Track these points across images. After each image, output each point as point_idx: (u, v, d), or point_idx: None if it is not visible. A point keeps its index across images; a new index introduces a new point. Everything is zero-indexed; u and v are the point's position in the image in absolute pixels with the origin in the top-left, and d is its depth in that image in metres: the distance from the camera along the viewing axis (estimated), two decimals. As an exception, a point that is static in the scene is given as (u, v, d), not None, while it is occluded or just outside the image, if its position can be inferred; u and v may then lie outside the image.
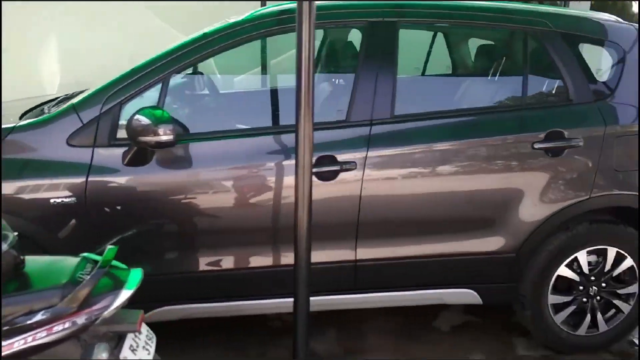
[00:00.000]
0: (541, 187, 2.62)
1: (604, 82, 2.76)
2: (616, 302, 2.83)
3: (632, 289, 2.81)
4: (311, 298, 2.60)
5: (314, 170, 2.45)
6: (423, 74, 3.33)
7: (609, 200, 2.69)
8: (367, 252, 2.61)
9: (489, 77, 2.99)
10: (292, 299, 2.58)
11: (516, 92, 2.71)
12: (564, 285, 2.79)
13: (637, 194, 2.66)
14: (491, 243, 2.67)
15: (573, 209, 2.65)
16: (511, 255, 2.68)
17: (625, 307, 2.83)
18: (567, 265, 2.73)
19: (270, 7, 2.65)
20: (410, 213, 2.60)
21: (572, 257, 2.72)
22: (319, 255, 2.57)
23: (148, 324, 2.52)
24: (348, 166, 2.48)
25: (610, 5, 6.04)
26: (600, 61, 3.22)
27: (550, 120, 2.63)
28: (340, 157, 2.48)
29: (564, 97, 2.69)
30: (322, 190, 2.48)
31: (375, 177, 2.52)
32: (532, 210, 2.63)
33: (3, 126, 2.42)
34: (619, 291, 2.82)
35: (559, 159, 2.61)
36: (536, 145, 2.58)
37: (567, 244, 2.70)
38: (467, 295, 2.76)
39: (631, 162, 2.67)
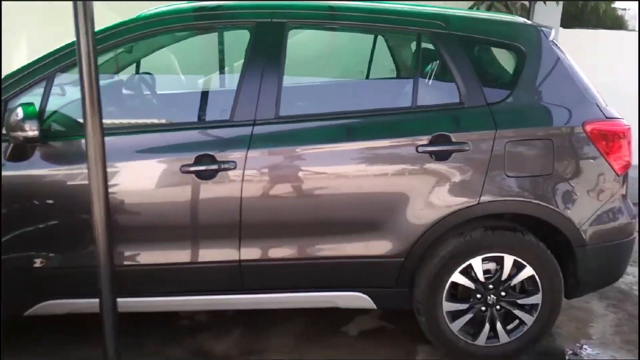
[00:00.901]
0: (427, 191, 2.58)
1: (501, 85, 2.70)
2: (517, 312, 2.75)
3: (534, 299, 2.73)
4: (198, 297, 2.65)
5: (193, 169, 2.50)
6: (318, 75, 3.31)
7: (499, 206, 2.63)
8: (251, 253, 2.61)
9: (380, 79, 2.96)
10: (185, 297, 2.64)
11: (407, 95, 2.68)
12: (459, 292, 2.74)
13: (531, 200, 2.60)
14: (379, 246, 2.64)
15: (461, 214, 2.60)
16: (400, 259, 2.65)
17: (528, 319, 2.75)
18: (461, 272, 2.68)
19: (160, 7, 2.70)
20: (294, 214, 2.60)
21: (467, 263, 2.67)
22: (203, 254, 2.62)
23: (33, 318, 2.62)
24: (227, 165, 2.50)
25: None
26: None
27: (438, 124, 2.59)
28: (220, 157, 2.50)
29: (455, 101, 2.64)
30: (201, 189, 2.51)
31: (256, 177, 2.53)
32: (419, 215, 2.59)
33: None
34: (519, 301, 2.74)
35: (445, 163, 2.57)
36: (420, 149, 2.55)
37: (460, 250, 2.65)
38: (359, 299, 2.73)
39: (523, 167, 2.60)
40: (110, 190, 2.39)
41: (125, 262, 2.57)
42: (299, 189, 2.57)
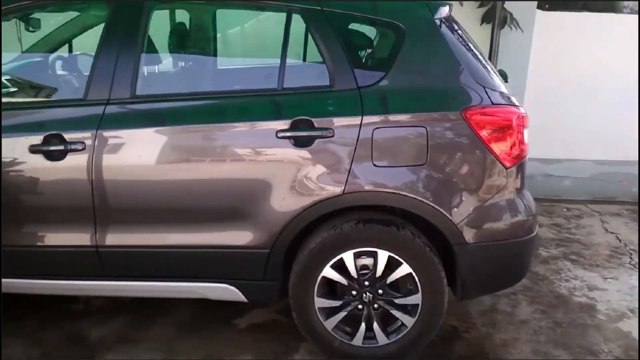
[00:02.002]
0: (289, 179, 2.41)
1: (375, 67, 2.50)
2: (396, 313, 2.55)
3: (413, 299, 2.52)
4: (56, 282, 2.59)
5: (40, 149, 2.43)
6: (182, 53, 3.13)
7: (366, 198, 2.42)
8: (108, 239, 2.52)
9: (250, 60, 2.79)
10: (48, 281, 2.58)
11: (272, 76, 2.51)
12: (332, 288, 2.57)
13: (400, 192, 2.38)
14: (242, 236, 2.49)
15: (326, 205, 2.42)
16: (265, 251, 2.49)
17: (408, 320, 2.55)
18: (333, 267, 2.50)
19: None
20: (149, 200, 2.48)
21: (338, 258, 2.48)
22: (59, 239, 2.55)
23: None
24: (75, 146, 2.41)
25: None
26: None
27: (300, 108, 2.41)
28: (68, 137, 2.42)
29: (325, 83, 2.45)
30: (51, 170, 2.44)
31: (106, 159, 2.43)
32: (282, 205, 2.43)
33: None
34: (397, 301, 2.54)
35: (307, 150, 2.39)
36: (280, 134, 2.38)
37: (330, 244, 2.47)
38: (227, 291, 2.59)
39: (393, 156, 2.39)
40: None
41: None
42: (152, 173, 2.45)
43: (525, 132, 2.49)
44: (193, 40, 2.88)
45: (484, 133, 2.38)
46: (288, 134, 2.38)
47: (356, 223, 2.46)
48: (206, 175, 2.45)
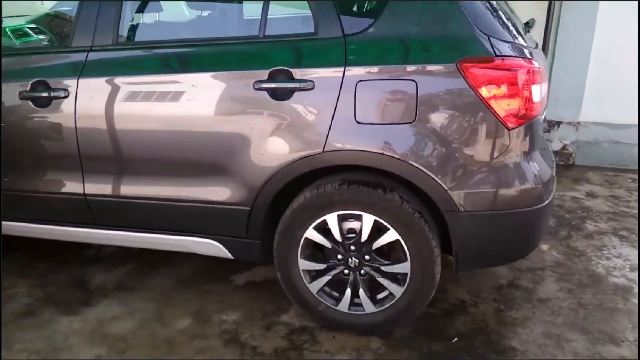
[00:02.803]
0: (267, 134, 2.27)
1: (365, 14, 2.26)
2: (382, 280, 2.39)
3: (401, 268, 2.34)
4: (50, 227, 2.66)
5: (28, 95, 2.45)
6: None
7: (346, 157, 2.23)
8: (95, 187, 2.53)
9: (236, 6, 2.62)
10: (44, 226, 2.66)
11: (255, 23, 2.34)
12: (318, 251, 2.44)
13: (382, 152, 2.17)
14: (221, 192, 2.41)
15: (305, 163, 2.27)
16: (245, 208, 2.40)
17: (395, 289, 2.38)
18: (316, 229, 2.36)
19: None
20: (130, 149, 2.45)
21: (321, 219, 2.34)
22: (52, 185, 2.59)
23: None
24: (58, 93, 2.41)
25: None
26: None
27: (279, 57, 2.24)
28: (53, 83, 2.42)
29: (309, 31, 2.26)
30: (38, 116, 2.46)
31: (88, 107, 2.41)
32: (260, 161, 2.31)
33: None
34: (383, 268, 2.37)
35: (286, 104, 2.23)
36: (257, 85, 2.24)
37: (312, 204, 2.33)
38: (212, 247, 2.54)
39: (377, 113, 2.17)
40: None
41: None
42: (131, 123, 2.41)
43: (537, 88, 2.17)
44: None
45: (483, 89, 2.10)
46: (265, 85, 2.23)
47: (340, 184, 2.30)
48: (184, 126, 2.37)
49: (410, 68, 2.13)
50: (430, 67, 2.13)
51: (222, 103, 2.30)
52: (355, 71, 2.17)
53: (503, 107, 2.12)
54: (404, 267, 2.34)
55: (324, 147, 2.22)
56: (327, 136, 2.21)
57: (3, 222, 2.73)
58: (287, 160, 2.27)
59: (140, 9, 2.56)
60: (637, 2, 4.25)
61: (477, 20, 2.15)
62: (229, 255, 2.56)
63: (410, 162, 2.17)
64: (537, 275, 3.05)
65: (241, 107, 2.28)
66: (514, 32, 2.28)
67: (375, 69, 2.16)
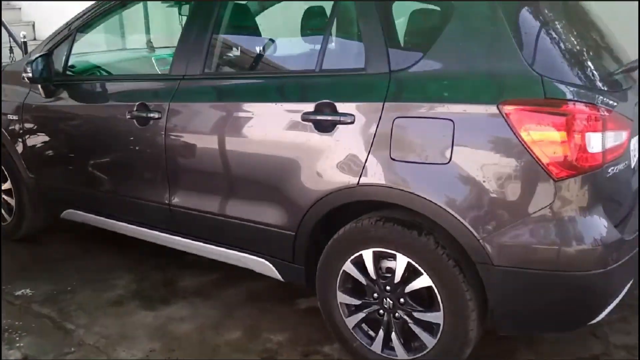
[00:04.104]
0: (311, 165, 2.34)
1: (415, 49, 2.21)
2: (414, 328, 2.28)
3: (433, 317, 2.21)
4: (140, 229, 3.05)
5: (134, 114, 2.87)
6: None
7: (379, 193, 2.19)
8: (178, 199, 2.84)
9: (291, 39, 2.73)
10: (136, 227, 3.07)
11: (312, 57, 2.43)
12: (354, 285, 2.42)
13: (413, 192, 2.10)
14: (272, 215, 2.52)
15: (341, 195, 2.28)
16: (291, 233, 2.49)
17: (427, 339, 2.25)
18: (354, 263, 2.36)
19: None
20: (202, 168, 2.71)
21: (357, 254, 2.33)
22: (145, 193, 2.98)
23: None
24: (153, 115, 2.77)
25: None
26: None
27: (327, 91, 2.31)
28: (151, 106, 2.80)
29: (359, 66, 2.29)
30: (139, 133, 2.86)
31: (174, 128, 2.73)
32: (303, 189, 2.38)
33: None
34: (416, 314, 2.26)
35: (329, 136, 2.28)
36: (304, 117, 2.33)
37: (349, 237, 2.33)
38: (265, 266, 2.67)
39: (412, 150, 2.10)
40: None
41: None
42: (204, 144, 2.67)
43: (596, 137, 1.92)
44: (249, 28, 3.00)
45: (525, 133, 1.92)
46: (311, 117, 2.32)
47: (377, 220, 2.26)
48: (245, 149, 2.57)
49: (449, 107, 2.04)
50: (469, 107, 2.01)
51: (277, 131, 2.44)
52: (394, 107, 2.14)
53: (548, 154, 1.91)
54: (437, 317, 2.20)
55: (359, 180, 2.22)
56: (363, 170, 2.21)
57: (110, 220, 3.19)
58: (326, 190, 2.32)
59: (222, 45, 2.84)
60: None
61: (532, 58, 1.99)
62: (279, 277, 2.66)
63: (441, 204, 2.06)
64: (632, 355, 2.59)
65: (290, 136, 2.40)
66: (586, 70, 2.04)
67: (413, 105, 2.11)
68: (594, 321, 2.14)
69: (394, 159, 2.15)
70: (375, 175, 2.19)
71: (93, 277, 3.31)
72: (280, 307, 2.99)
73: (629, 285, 2.27)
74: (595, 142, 1.92)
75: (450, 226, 2.07)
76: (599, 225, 1.98)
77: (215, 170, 2.68)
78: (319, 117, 2.30)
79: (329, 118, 2.27)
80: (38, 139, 3.33)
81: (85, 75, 3.31)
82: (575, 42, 2.17)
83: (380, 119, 2.16)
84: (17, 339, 2.72)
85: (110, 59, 3.61)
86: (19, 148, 3.41)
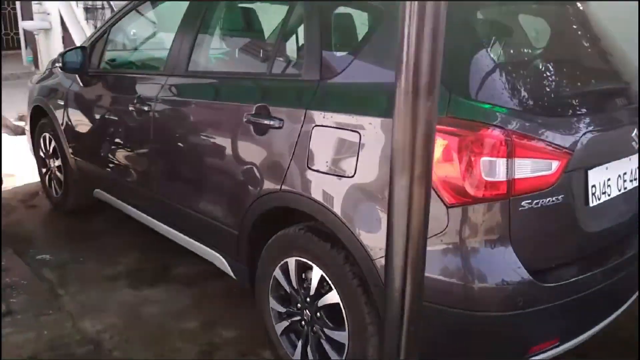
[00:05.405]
0: (249, 165, 2.38)
1: (341, 58, 2.14)
2: (325, 345, 2.22)
3: (340, 336, 2.14)
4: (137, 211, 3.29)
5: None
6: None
7: (295, 201, 2.17)
8: (160, 189, 3.03)
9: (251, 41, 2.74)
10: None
11: (266, 60, 2.44)
12: (283, 292, 2.40)
13: (322, 204, 2.05)
14: (220, 211, 2.60)
15: (266, 200, 2.29)
16: (234, 231, 2.54)
17: (336, 358, 2.18)
18: (281, 269, 2.35)
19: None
20: (172, 159, 2.90)
21: (284, 261, 2.32)
22: (137, 180, 3.21)
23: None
24: (144, 108, 2.98)
25: None
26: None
27: (265, 94, 2.34)
28: (144, 99, 3.01)
29: (298, 71, 2.28)
30: (136, 119, 3.08)
31: (160, 118, 2.92)
32: (244, 189, 2.43)
33: None
34: (326, 331, 2.20)
35: (262, 138, 2.30)
36: (246, 118, 2.37)
37: (279, 244, 2.33)
38: (220, 261, 2.73)
39: (326, 161, 2.06)
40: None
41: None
42: (172, 138, 2.86)
43: (494, 163, 1.73)
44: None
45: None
46: (252, 119, 2.35)
47: (300, 228, 2.24)
48: (198, 146, 2.70)
49: (357, 119, 1.97)
50: (375, 120, 1.92)
51: (226, 131, 2.51)
52: (314, 116, 2.11)
53: (440, 178, 1.76)
54: (342, 337, 2.13)
55: (281, 186, 2.22)
56: (285, 176, 2.20)
57: (120, 202, 3.47)
58: (258, 193, 2.34)
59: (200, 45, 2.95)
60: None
61: (447, 73, 1.84)
62: (232, 274, 2.71)
63: (343, 219, 1.99)
64: None
65: (235, 136, 2.45)
66: (512, 91, 1.85)
67: (328, 115, 2.06)
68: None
69: (310, 168, 2.11)
70: (293, 182, 2.17)
71: (106, 252, 3.61)
72: (250, 305, 3.03)
73: (578, 340, 2.01)
74: (495, 169, 1.73)
75: (350, 242, 1.99)
76: (499, 263, 1.78)
77: (178, 164, 2.86)
78: (255, 120, 2.33)
79: (264, 121, 2.29)
80: (76, 123, 3.72)
81: (115, 69, 3.63)
82: (515, 56, 1.98)
83: (302, 126, 2.14)
84: (14, 295, 3.08)
85: (138, 55, 3.89)
86: (64, 130, 3.83)
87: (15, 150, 5.74)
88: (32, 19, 9.88)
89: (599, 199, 2.03)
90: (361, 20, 2.28)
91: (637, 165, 2.24)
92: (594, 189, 2.01)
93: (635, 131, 2.12)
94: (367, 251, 1.92)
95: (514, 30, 2.37)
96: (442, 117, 1.78)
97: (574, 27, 2.40)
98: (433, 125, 1.06)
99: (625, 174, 2.17)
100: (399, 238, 1.19)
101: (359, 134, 1.95)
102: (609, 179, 2.08)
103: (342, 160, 2.01)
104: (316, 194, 2.08)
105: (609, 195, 2.08)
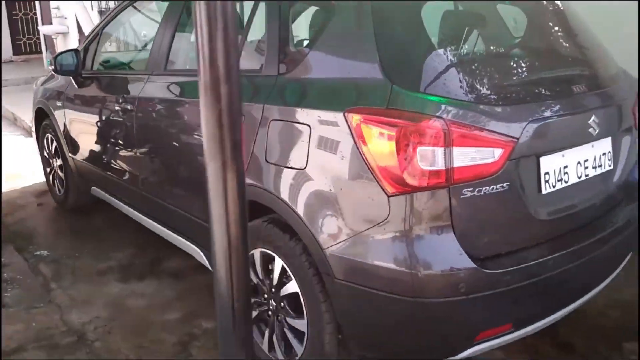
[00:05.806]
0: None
1: (297, 53, 2.19)
2: (288, 333, 2.27)
3: (299, 324, 2.19)
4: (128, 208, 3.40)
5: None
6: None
7: (255, 194, 2.20)
8: (144, 185, 3.12)
9: None
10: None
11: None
12: (251, 284, 2.47)
13: (277, 196, 2.10)
14: (195, 205, 2.68)
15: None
16: (206, 224, 2.60)
17: (297, 347, 2.24)
18: (250, 261, 2.41)
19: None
20: (147, 154, 2.99)
21: (251, 252, 2.39)
22: (125, 178, 3.32)
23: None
24: (127, 106, 3.08)
25: None
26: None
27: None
28: (127, 99, 3.11)
29: (259, 67, 2.34)
30: (121, 118, 3.18)
31: (142, 114, 3.01)
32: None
33: None
34: (289, 320, 2.26)
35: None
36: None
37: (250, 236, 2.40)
38: (198, 254, 2.82)
39: (281, 154, 2.11)
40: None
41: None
42: (155, 136, 2.95)
43: (431, 152, 1.76)
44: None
45: (364, 143, 1.84)
46: (216, 115, 2.42)
47: (264, 220, 2.30)
48: (172, 142, 2.79)
49: (307, 112, 2.02)
50: (322, 113, 1.97)
51: (194, 128, 2.59)
52: (270, 110, 2.16)
53: (381, 167, 1.80)
54: (302, 325, 2.18)
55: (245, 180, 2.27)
56: (247, 170, 2.26)
57: (114, 199, 3.58)
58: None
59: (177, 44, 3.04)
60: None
61: (390, 64, 1.88)
62: (208, 265, 2.78)
63: (296, 210, 2.04)
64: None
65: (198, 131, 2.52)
66: (459, 81, 1.88)
67: (283, 109, 2.12)
68: (456, 358, 1.94)
69: (267, 161, 2.17)
70: (253, 175, 2.23)
71: (101, 248, 3.73)
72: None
73: (535, 326, 2.03)
74: (433, 159, 1.75)
75: (303, 233, 2.04)
76: (441, 250, 1.81)
77: (157, 160, 2.95)
78: (221, 116, 2.39)
79: (227, 117, 2.35)
80: (72, 123, 3.85)
81: (107, 70, 3.74)
82: (465, 48, 1.98)
83: (260, 121, 2.20)
84: (9, 289, 3.22)
85: (128, 55, 4.00)
86: (63, 130, 3.97)
87: (29, 151, 5.96)
88: (51, 23, 10.17)
89: (553, 186, 2.03)
90: (321, 16, 2.32)
91: (601, 152, 2.24)
92: (547, 176, 2.01)
93: (593, 117, 2.11)
94: (318, 241, 1.97)
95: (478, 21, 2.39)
96: (383, 108, 1.81)
97: (543, 18, 2.40)
98: (238, 112, 1.14)
99: (586, 160, 2.17)
100: (218, 225, 1.26)
101: (309, 127, 1.99)
102: (566, 166, 2.08)
103: (294, 153, 2.05)
104: (273, 187, 2.14)
105: (566, 182, 2.08)
